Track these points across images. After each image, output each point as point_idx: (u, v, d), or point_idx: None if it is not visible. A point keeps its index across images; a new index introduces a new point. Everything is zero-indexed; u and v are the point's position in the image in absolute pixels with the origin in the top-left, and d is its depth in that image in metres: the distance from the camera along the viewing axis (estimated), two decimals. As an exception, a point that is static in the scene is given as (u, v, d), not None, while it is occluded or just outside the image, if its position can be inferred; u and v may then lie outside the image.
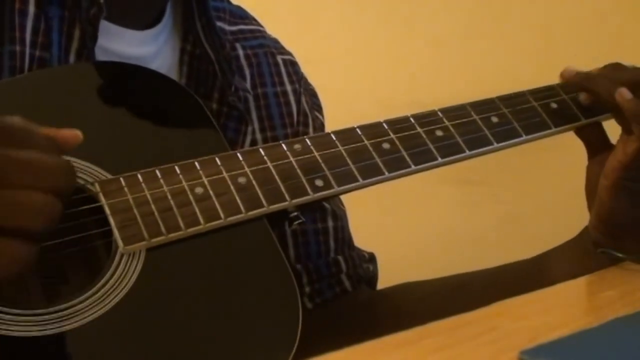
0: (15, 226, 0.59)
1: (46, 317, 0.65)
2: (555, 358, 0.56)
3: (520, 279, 0.88)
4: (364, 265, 0.99)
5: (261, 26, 1.01)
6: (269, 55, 0.98)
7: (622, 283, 0.77)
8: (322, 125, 1.03)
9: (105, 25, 0.82)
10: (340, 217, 0.98)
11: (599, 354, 0.58)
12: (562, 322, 0.63)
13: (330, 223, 0.96)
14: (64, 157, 0.64)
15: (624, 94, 0.82)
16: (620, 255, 0.83)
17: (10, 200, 0.59)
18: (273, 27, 1.02)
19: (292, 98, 0.98)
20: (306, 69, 1.05)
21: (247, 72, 0.95)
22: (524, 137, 0.84)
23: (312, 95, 1.03)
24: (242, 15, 0.99)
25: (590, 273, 0.82)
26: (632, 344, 0.60)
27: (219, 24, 0.92)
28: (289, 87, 0.98)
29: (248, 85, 0.95)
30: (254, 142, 0.93)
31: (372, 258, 1.01)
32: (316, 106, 1.03)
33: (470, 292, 0.92)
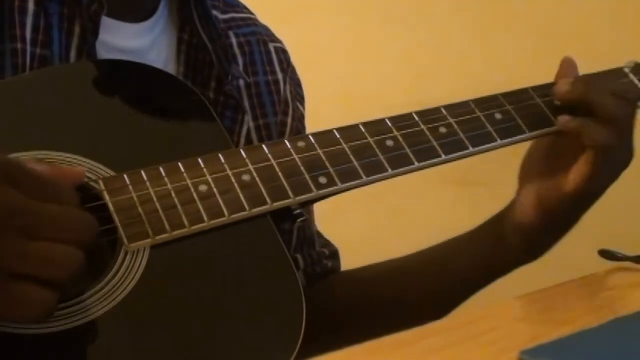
0: (44, 276, 0.60)
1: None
2: (555, 358, 0.56)
3: (451, 259, 0.89)
4: (323, 262, 0.98)
5: (252, 13, 1.00)
6: (261, 43, 0.97)
7: (622, 283, 0.76)
8: (302, 116, 1.01)
9: (102, 20, 0.81)
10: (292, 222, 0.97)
11: (599, 354, 0.57)
12: (562, 322, 0.63)
13: (297, 223, 0.95)
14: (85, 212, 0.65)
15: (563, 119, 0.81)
16: (620, 255, 0.82)
17: (41, 252, 0.60)
18: (274, 28, 1.01)
19: (282, 86, 0.97)
20: (307, 69, 1.04)
21: (239, 60, 0.94)
22: (528, 134, 0.83)
23: (297, 85, 1.02)
24: (233, 3, 0.98)
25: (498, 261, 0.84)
26: (632, 344, 0.59)
27: (213, 12, 0.91)
28: (280, 75, 0.97)
29: None
30: (247, 131, 0.92)
31: (333, 254, 1.01)
32: (299, 96, 1.02)
33: (408, 274, 0.93)
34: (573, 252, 1.41)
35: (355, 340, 0.58)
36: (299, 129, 0.99)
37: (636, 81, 0.89)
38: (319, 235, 1.01)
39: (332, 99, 1.58)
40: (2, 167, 0.60)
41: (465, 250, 0.89)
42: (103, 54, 0.82)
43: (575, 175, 0.80)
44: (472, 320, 0.61)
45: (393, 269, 0.94)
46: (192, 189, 0.71)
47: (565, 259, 1.56)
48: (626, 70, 0.90)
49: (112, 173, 0.71)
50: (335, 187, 0.75)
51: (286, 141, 0.76)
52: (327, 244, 1.01)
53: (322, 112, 1.06)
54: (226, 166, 0.73)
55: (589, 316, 0.65)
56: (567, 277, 0.76)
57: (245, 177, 0.73)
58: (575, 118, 0.81)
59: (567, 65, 0.86)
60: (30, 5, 0.79)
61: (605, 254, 0.83)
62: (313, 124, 1.01)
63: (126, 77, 0.80)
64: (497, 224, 0.88)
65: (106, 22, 0.82)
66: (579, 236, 1.38)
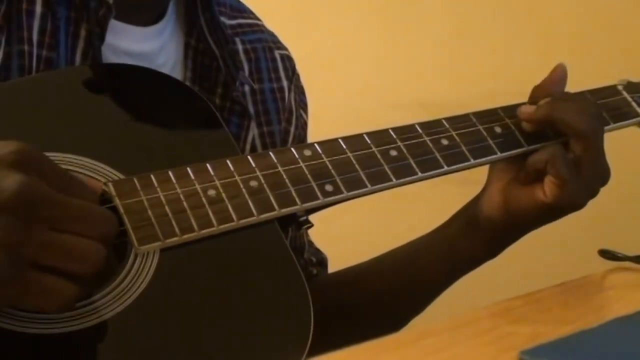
0: (66, 268, 0.58)
1: (61, 314, 0.62)
2: (555, 358, 0.53)
3: (421, 254, 0.87)
4: (308, 269, 0.96)
5: (259, 20, 0.97)
6: (267, 50, 0.94)
7: (622, 283, 0.74)
8: (305, 124, 0.99)
9: (110, 23, 0.79)
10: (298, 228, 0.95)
11: (599, 354, 0.55)
12: (562, 322, 0.60)
13: (290, 234, 0.92)
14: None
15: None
16: (620, 255, 0.79)
17: (65, 244, 0.58)
18: (275, 28, 0.98)
19: (287, 94, 0.94)
20: (309, 70, 1.01)
21: (245, 66, 0.91)
22: (526, 147, 0.81)
23: (301, 92, 0.99)
24: (240, 9, 0.95)
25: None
26: (632, 344, 0.56)
27: (220, 18, 0.88)
28: (285, 83, 0.94)
29: None
30: (252, 137, 0.89)
31: (320, 262, 0.98)
32: (302, 104, 0.99)
33: (378, 274, 0.90)
34: (573, 252, 1.37)
35: (333, 345, 0.54)
36: (301, 137, 0.96)
37: (629, 99, 0.88)
38: (310, 244, 0.99)
39: (334, 100, 1.54)
40: (30, 157, 0.58)
41: (435, 244, 0.86)
42: (110, 57, 0.80)
43: (552, 188, 0.77)
44: (472, 320, 0.59)
45: (365, 269, 0.92)
46: (201, 194, 0.68)
47: (565, 259, 1.52)
48: (619, 87, 0.88)
49: (121, 176, 0.68)
50: (341, 195, 0.73)
51: (293, 149, 0.74)
52: (316, 252, 0.99)
53: (325, 115, 1.02)
54: (234, 172, 0.71)
55: (589, 316, 0.63)
56: (567, 277, 0.73)
57: (253, 184, 0.70)
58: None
59: (559, 72, 0.83)
60: (38, 8, 0.77)
61: (605, 254, 0.80)
62: (317, 126, 0.99)
63: (133, 82, 0.77)
64: (467, 213, 0.84)
65: (114, 25, 0.79)
66: (579, 236, 1.35)
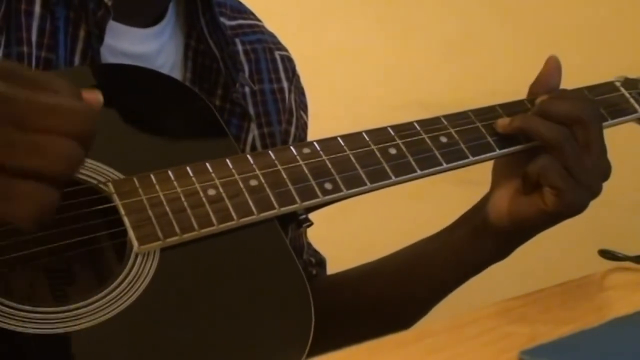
0: (39, 169, 0.54)
1: (61, 315, 0.61)
2: (555, 358, 0.53)
3: (427, 257, 0.86)
4: (308, 269, 0.95)
5: (259, 20, 0.96)
6: (267, 51, 0.93)
7: (622, 283, 0.73)
8: (305, 125, 0.98)
9: (109, 24, 0.78)
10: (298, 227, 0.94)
11: (599, 354, 0.54)
12: (562, 322, 0.60)
13: (290, 234, 0.91)
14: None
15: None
16: (620, 255, 0.79)
17: (34, 144, 0.54)
18: (276, 29, 0.98)
19: (287, 95, 0.94)
20: (309, 71, 1.01)
21: (245, 67, 0.90)
22: (525, 145, 0.80)
23: (301, 93, 0.99)
24: (240, 10, 0.94)
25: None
26: (632, 344, 0.56)
27: (220, 19, 0.88)
28: (285, 84, 0.93)
29: None
30: (252, 138, 0.89)
31: (319, 263, 0.97)
32: (303, 105, 0.98)
33: (381, 277, 0.89)
34: (573, 252, 1.37)
35: (333, 345, 0.54)
36: (301, 137, 0.96)
37: (627, 95, 0.87)
38: (309, 245, 0.98)
39: (332, 100, 1.54)
40: None
41: (441, 249, 0.85)
42: (109, 58, 0.79)
43: (550, 197, 0.76)
44: (472, 320, 0.58)
45: (368, 271, 0.91)
46: (201, 193, 0.68)
47: (565, 259, 1.52)
48: (617, 84, 0.87)
49: (121, 176, 0.68)
50: (340, 194, 0.72)
51: (292, 148, 0.73)
52: (315, 253, 0.98)
53: (325, 115, 1.02)
54: (234, 171, 0.70)
55: (589, 316, 0.63)
56: (567, 277, 0.73)
57: (253, 182, 0.70)
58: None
59: (552, 63, 0.82)
60: (37, 9, 0.76)
61: (605, 254, 0.79)
62: (317, 126, 0.99)
63: (132, 82, 0.77)
64: (473, 220, 0.84)
65: (114, 26, 0.79)
66: (579, 236, 1.34)
